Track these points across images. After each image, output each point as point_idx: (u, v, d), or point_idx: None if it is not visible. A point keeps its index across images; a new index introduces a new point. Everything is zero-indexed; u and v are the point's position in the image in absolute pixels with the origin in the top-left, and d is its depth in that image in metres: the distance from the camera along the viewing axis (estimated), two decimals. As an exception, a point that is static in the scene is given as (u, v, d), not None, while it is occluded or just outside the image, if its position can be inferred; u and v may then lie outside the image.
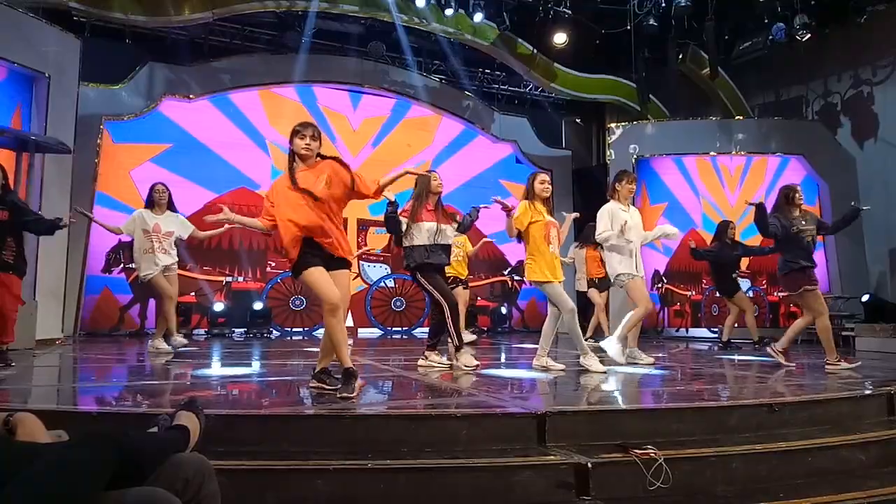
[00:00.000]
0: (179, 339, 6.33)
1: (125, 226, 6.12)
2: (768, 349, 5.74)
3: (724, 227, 7.91)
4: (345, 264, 3.70)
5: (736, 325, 7.88)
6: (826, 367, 5.35)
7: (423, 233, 4.96)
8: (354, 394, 3.34)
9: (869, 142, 10.23)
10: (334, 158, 3.76)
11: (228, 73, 9.90)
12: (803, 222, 5.46)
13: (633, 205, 5.96)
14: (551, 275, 4.89)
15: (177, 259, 6.26)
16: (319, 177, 3.60)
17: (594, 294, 8.32)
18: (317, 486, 2.46)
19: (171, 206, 6.24)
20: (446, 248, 5.14)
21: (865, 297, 9.08)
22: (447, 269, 5.42)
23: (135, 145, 9.32)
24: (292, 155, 3.70)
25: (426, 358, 5.20)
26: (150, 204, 6.17)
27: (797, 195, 5.56)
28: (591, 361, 4.92)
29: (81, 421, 2.80)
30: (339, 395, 3.34)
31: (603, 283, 8.15)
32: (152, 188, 6.22)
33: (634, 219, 5.66)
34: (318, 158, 3.70)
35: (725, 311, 8.59)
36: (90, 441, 1.43)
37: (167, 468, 1.60)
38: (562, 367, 4.96)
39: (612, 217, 5.55)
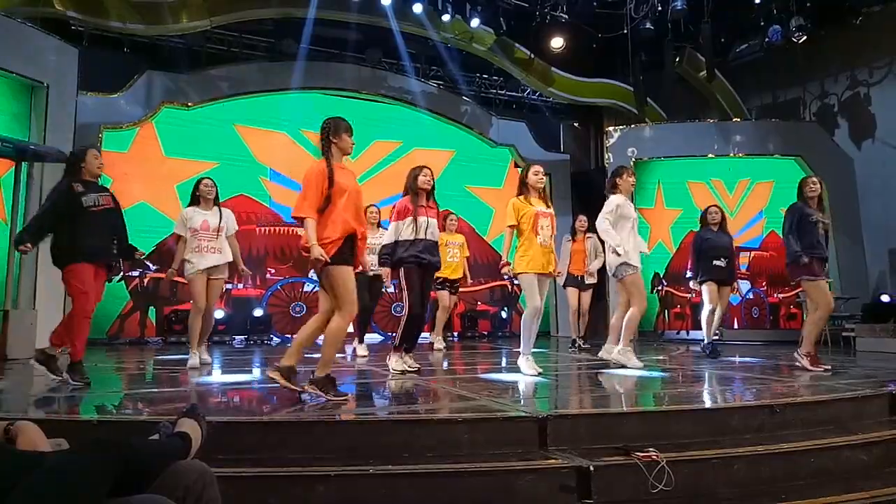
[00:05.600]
0: (195, 358, 5.48)
1: (177, 229, 5.57)
2: (797, 356, 5.40)
3: (703, 214, 7.17)
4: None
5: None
6: (795, 355, 5.40)
7: (419, 228, 4.95)
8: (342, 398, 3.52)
9: (866, 142, 10.25)
10: None
11: (226, 81, 9.90)
12: (818, 214, 5.49)
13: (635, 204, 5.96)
14: (529, 266, 4.78)
15: (229, 260, 5.69)
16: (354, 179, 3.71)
17: (571, 292, 7.70)
18: (318, 492, 2.46)
19: (216, 202, 5.71)
20: (435, 246, 5.08)
21: (886, 298, 8.86)
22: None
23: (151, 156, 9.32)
24: (328, 150, 3.58)
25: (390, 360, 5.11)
26: (196, 200, 5.63)
27: (808, 187, 5.59)
28: (525, 364, 4.85)
29: (82, 429, 2.80)
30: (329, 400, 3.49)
31: (582, 283, 7.62)
32: (199, 182, 5.67)
33: (634, 214, 5.70)
34: None
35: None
36: (92, 449, 1.43)
37: (168, 475, 1.60)
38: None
39: (620, 210, 5.57)
